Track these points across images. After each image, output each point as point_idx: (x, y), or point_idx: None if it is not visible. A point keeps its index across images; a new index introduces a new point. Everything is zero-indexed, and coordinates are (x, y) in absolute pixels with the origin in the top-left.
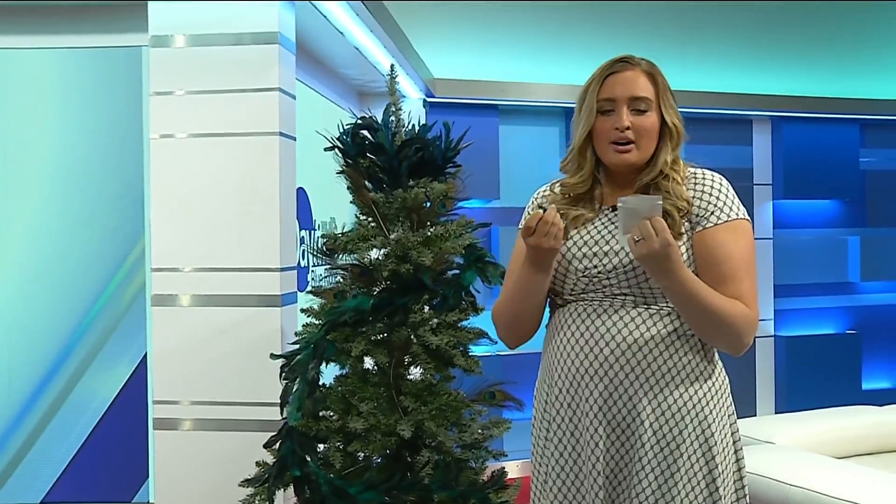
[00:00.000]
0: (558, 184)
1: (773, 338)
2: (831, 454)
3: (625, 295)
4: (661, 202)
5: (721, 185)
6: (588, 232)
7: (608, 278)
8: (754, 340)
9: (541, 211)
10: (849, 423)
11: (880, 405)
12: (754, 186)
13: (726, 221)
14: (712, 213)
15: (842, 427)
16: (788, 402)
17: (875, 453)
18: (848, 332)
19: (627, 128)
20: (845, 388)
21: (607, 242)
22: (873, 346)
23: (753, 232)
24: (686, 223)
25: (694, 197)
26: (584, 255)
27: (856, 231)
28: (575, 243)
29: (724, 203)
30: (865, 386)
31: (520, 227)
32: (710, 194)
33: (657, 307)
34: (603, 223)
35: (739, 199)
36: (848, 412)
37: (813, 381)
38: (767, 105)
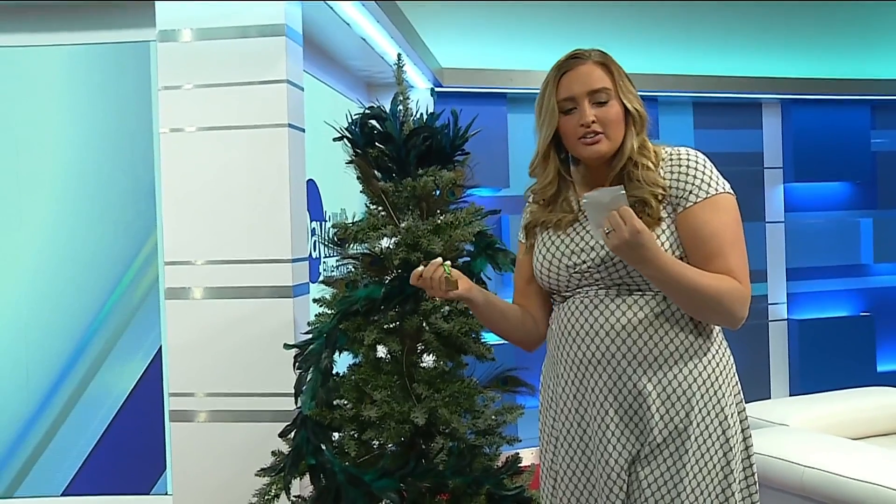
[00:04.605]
0: (529, 190)
1: (786, 321)
2: (846, 436)
3: (618, 285)
4: (623, 191)
5: (697, 161)
6: (574, 229)
7: (598, 271)
8: (767, 324)
9: (421, 267)
10: (863, 404)
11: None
12: (765, 170)
13: (706, 198)
14: (690, 191)
15: (856, 408)
16: (803, 385)
17: (890, 434)
18: (862, 314)
19: (593, 121)
20: (860, 371)
21: (592, 237)
22: (887, 328)
23: (758, 215)
24: (668, 207)
25: (672, 178)
26: (573, 251)
27: (868, 213)
28: (563, 241)
29: (702, 180)
30: (880, 368)
31: (519, 238)
32: (687, 173)
33: (652, 292)
34: (586, 219)
35: (719, 171)
36: (862, 393)
37: (827, 364)
38: (777, 88)
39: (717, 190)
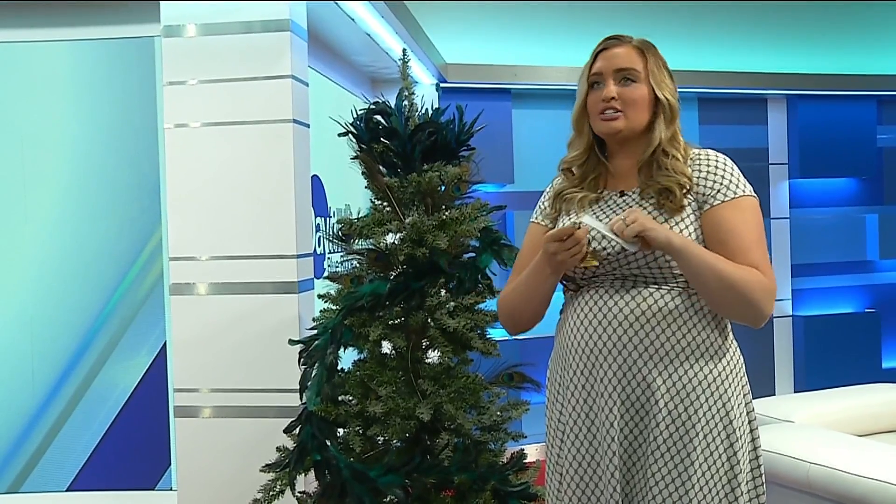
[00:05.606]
0: (562, 160)
1: (791, 318)
2: (851, 432)
3: (635, 276)
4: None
5: (725, 164)
6: (596, 215)
7: (617, 259)
8: (772, 320)
9: (574, 227)
10: (868, 400)
11: None
12: (770, 166)
13: (731, 199)
14: (718, 191)
15: (861, 405)
16: (808, 382)
17: (895, 431)
18: (867, 310)
19: (613, 98)
20: (865, 367)
21: (611, 228)
22: (893, 325)
23: (762, 210)
24: (693, 204)
25: (699, 177)
26: (594, 237)
27: (874, 209)
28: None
29: (730, 181)
30: (886, 364)
31: (532, 219)
32: (714, 174)
33: (668, 287)
34: (609, 206)
35: (745, 177)
36: (867, 390)
37: (832, 360)
38: (782, 83)
39: (742, 192)
